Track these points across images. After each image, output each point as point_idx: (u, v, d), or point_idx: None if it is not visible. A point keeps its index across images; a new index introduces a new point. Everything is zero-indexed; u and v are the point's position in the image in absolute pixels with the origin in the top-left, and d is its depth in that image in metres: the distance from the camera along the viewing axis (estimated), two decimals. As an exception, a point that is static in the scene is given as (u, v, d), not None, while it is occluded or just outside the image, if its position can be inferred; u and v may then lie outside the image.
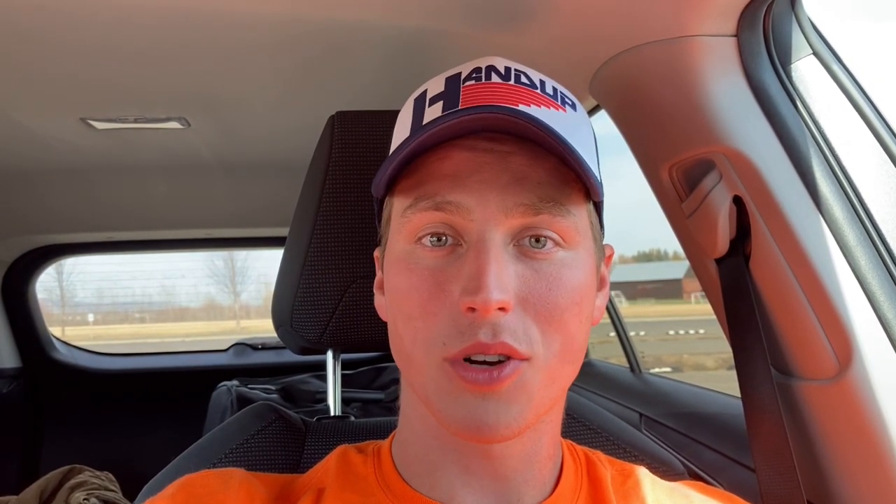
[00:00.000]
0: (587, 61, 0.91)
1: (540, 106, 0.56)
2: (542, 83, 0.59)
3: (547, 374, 0.53)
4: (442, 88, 0.59)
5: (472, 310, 0.50)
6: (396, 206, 0.57)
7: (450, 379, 0.52)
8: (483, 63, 0.60)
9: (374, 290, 0.65)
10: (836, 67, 0.78)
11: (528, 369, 0.52)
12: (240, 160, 1.90)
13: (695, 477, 0.77)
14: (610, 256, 0.64)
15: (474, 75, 0.58)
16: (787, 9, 0.79)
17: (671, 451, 0.91)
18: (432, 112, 0.57)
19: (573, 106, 0.60)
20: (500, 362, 0.51)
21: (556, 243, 0.54)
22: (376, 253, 0.65)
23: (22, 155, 1.76)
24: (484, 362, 0.51)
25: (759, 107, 0.79)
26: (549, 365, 0.53)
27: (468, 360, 0.52)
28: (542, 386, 0.53)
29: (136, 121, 1.48)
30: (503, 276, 0.51)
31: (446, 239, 0.54)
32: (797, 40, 0.80)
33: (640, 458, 0.79)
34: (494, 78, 0.58)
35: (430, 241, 0.54)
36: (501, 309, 0.51)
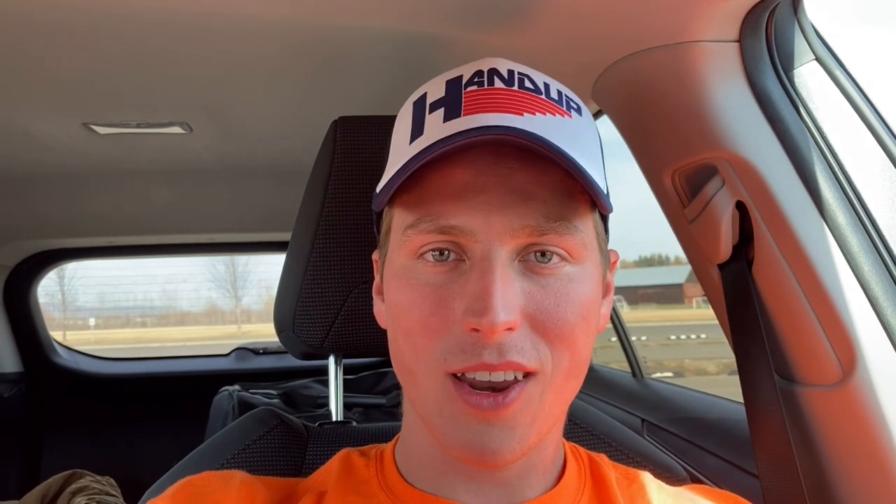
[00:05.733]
0: (590, 66, 0.91)
1: (545, 113, 0.55)
2: (547, 87, 0.57)
3: (552, 391, 0.53)
4: (442, 93, 0.57)
5: (477, 330, 0.49)
6: (397, 221, 0.56)
7: (452, 401, 0.52)
8: (485, 66, 0.58)
9: (373, 295, 0.65)
10: (838, 73, 0.78)
11: (533, 388, 0.52)
12: (242, 165, 1.90)
13: (697, 483, 0.77)
14: (615, 262, 0.63)
15: (476, 79, 0.56)
16: (789, 14, 0.79)
17: (674, 456, 0.91)
18: (433, 120, 0.55)
19: (578, 110, 0.59)
20: (504, 387, 0.51)
21: (563, 258, 0.53)
22: (375, 255, 0.64)
23: (25, 159, 1.77)
24: (489, 383, 0.51)
25: (762, 112, 0.79)
26: (554, 381, 0.53)
27: (472, 380, 0.51)
28: (548, 404, 0.53)
29: (138, 126, 1.48)
30: (509, 295, 0.50)
31: (449, 254, 0.53)
32: (800, 46, 0.80)
33: (643, 464, 0.79)
34: (497, 83, 0.56)
35: (433, 257, 0.53)
36: (508, 329, 0.50)
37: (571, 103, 0.58)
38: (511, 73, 0.57)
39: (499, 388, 0.51)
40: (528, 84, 0.57)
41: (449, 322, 0.51)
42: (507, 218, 0.51)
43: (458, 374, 0.51)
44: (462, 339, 0.50)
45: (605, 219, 0.60)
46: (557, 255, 0.53)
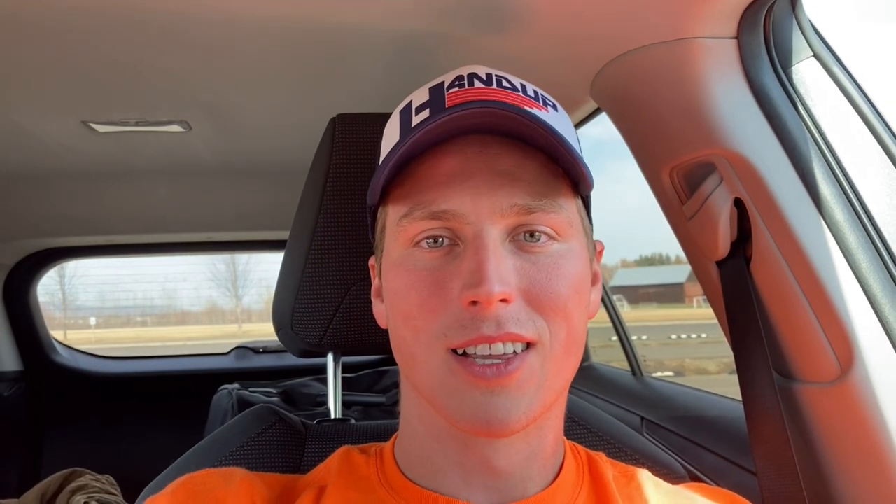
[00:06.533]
0: (588, 64, 0.91)
1: (523, 106, 0.57)
2: (524, 86, 0.61)
3: (553, 363, 0.54)
4: (427, 97, 0.60)
5: (474, 304, 0.51)
6: (391, 215, 0.58)
7: (455, 374, 0.53)
8: (464, 71, 0.61)
9: (372, 298, 0.66)
10: (836, 69, 0.78)
11: (534, 358, 0.53)
12: (241, 163, 1.90)
13: (696, 480, 0.77)
14: (601, 252, 0.65)
15: (457, 83, 0.60)
16: (787, 11, 0.79)
17: (672, 454, 0.91)
18: (419, 118, 0.58)
19: (554, 107, 0.62)
20: (506, 358, 0.52)
21: (550, 237, 0.55)
22: (371, 261, 0.66)
23: (23, 158, 1.77)
24: (490, 356, 0.52)
25: (760, 109, 0.79)
26: (554, 353, 0.54)
27: (474, 356, 0.52)
28: (550, 376, 0.54)
29: (137, 124, 1.48)
30: (502, 269, 0.52)
31: (443, 240, 0.55)
32: (798, 42, 0.80)
33: (642, 462, 0.79)
34: (477, 84, 0.59)
35: (428, 244, 0.55)
36: (504, 301, 0.51)
37: (547, 101, 0.62)
38: (489, 75, 0.61)
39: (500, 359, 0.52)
40: (505, 84, 0.60)
41: (447, 301, 0.53)
42: (496, 199, 0.54)
43: (459, 351, 0.53)
44: (461, 316, 0.52)
45: (588, 208, 0.62)
46: (545, 234, 0.55)
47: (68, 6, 0.88)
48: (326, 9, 0.87)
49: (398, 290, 0.56)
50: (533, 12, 0.83)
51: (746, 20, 0.77)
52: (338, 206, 0.84)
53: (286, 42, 1.04)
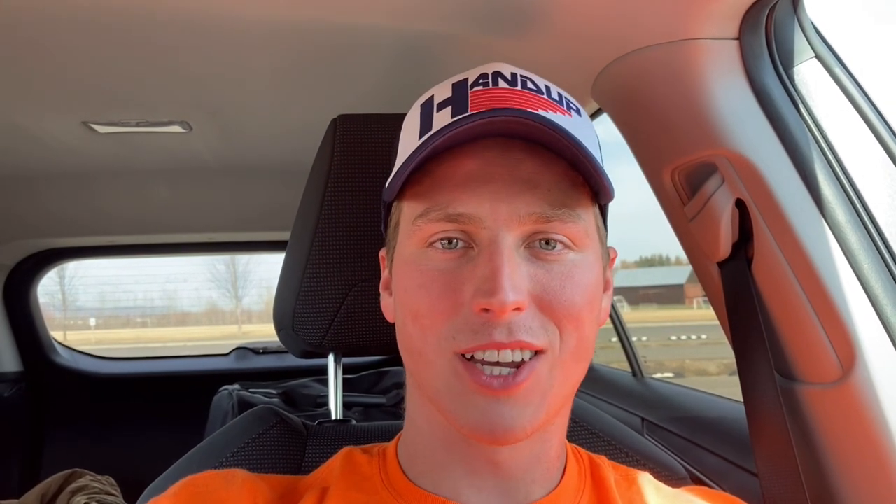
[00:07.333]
0: (589, 65, 0.91)
1: (547, 110, 0.57)
2: (548, 88, 0.60)
3: (561, 370, 0.54)
4: (449, 94, 0.59)
5: (486, 311, 0.51)
6: (406, 212, 0.58)
7: (461, 380, 0.53)
8: (489, 69, 0.60)
9: (381, 290, 0.66)
10: (838, 70, 0.78)
11: (543, 366, 0.53)
12: (242, 164, 1.90)
13: (697, 482, 0.77)
14: (613, 259, 0.65)
15: (481, 81, 0.59)
16: (789, 12, 0.79)
17: (674, 455, 0.91)
18: (441, 117, 0.57)
19: (577, 111, 0.61)
20: (514, 365, 0.52)
21: (566, 246, 0.55)
22: (382, 252, 0.66)
23: (24, 159, 1.77)
24: (497, 363, 0.52)
25: (762, 110, 0.79)
26: (563, 361, 0.54)
27: (482, 361, 0.52)
28: (557, 383, 0.54)
29: (138, 125, 1.48)
30: (516, 277, 0.52)
31: (457, 242, 0.55)
32: (799, 43, 0.80)
33: (643, 463, 0.79)
34: (501, 83, 0.58)
35: (442, 245, 0.55)
36: (517, 309, 0.51)
37: (571, 104, 0.61)
38: (514, 75, 0.60)
39: (508, 368, 0.52)
40: (530, 85, 0.59)
41: (458, 305, 0.53)
42: (514, 206, 0.53)
43: (468, 356, 0.53)
44: (472, 321, 0.52)
45: (604, 215, 0.62)
46: (561, 242, 0.55)
47: (69, 7, 0.88)
48: (328, 10, 0.87)
49: (408, 288, 0.56)
50: (535, 13, 0.83)
51: (748, 21, 0.77)
52: (339, 207, 0.84)
53: (288, 43, 1.04)
